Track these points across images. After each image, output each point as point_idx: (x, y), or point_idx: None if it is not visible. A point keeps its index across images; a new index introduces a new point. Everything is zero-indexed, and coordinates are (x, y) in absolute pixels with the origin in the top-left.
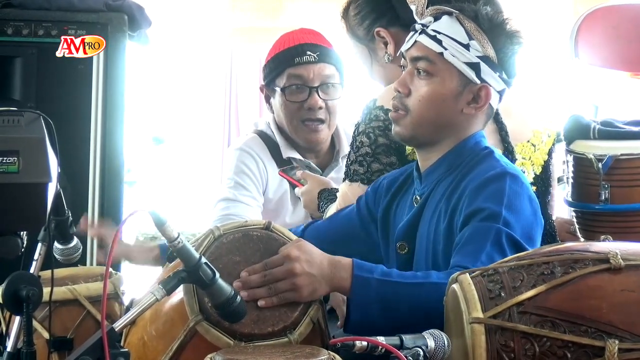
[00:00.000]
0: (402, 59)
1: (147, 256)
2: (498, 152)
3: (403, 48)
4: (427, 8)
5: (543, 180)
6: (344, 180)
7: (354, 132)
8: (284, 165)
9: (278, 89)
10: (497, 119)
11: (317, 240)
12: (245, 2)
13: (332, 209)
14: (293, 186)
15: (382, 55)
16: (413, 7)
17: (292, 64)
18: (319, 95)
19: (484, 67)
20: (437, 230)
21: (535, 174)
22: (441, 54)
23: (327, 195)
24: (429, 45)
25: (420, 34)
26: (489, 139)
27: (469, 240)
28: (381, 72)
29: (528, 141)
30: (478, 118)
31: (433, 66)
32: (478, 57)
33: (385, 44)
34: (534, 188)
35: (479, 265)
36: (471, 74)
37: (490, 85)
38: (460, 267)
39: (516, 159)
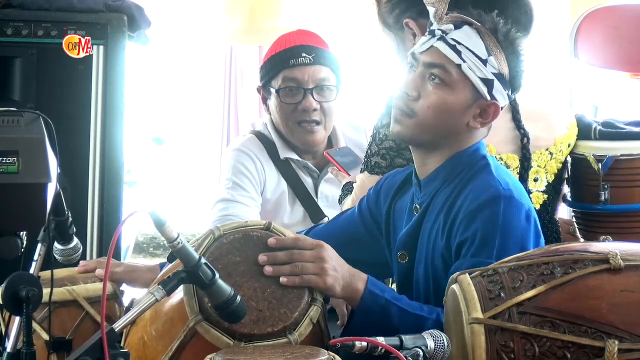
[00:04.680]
0: (412, 59)
1: (148, 277)
2: (495, 162)
3: (416, 50)
4: (446, 14)
5: (555, 189)
6: (362, 170)
7: (376, 124)
8: (282, 165)
9: (273, 91)
10: (519, 125)
11: None
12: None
13: (348, 202)
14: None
15: (409, 45)
16: (432, 10)
17: (287, 65)
18: (313, 97)
19: (496, 84)
20: (435, 246)
21: (547, 181)
22: (459, 65)
23: (349, 188)
24: (448, 54)
25: (438, 39)
26: (509, 145)
27: None
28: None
29: (547, 149)
30: (480, 131)
31: (448, 76)
32: (493, 73)
33: (414, 35)
34: (544, 196)
35: None
36: (484, 89)
37: (498, 103)
38: None
39: (531, 167)
